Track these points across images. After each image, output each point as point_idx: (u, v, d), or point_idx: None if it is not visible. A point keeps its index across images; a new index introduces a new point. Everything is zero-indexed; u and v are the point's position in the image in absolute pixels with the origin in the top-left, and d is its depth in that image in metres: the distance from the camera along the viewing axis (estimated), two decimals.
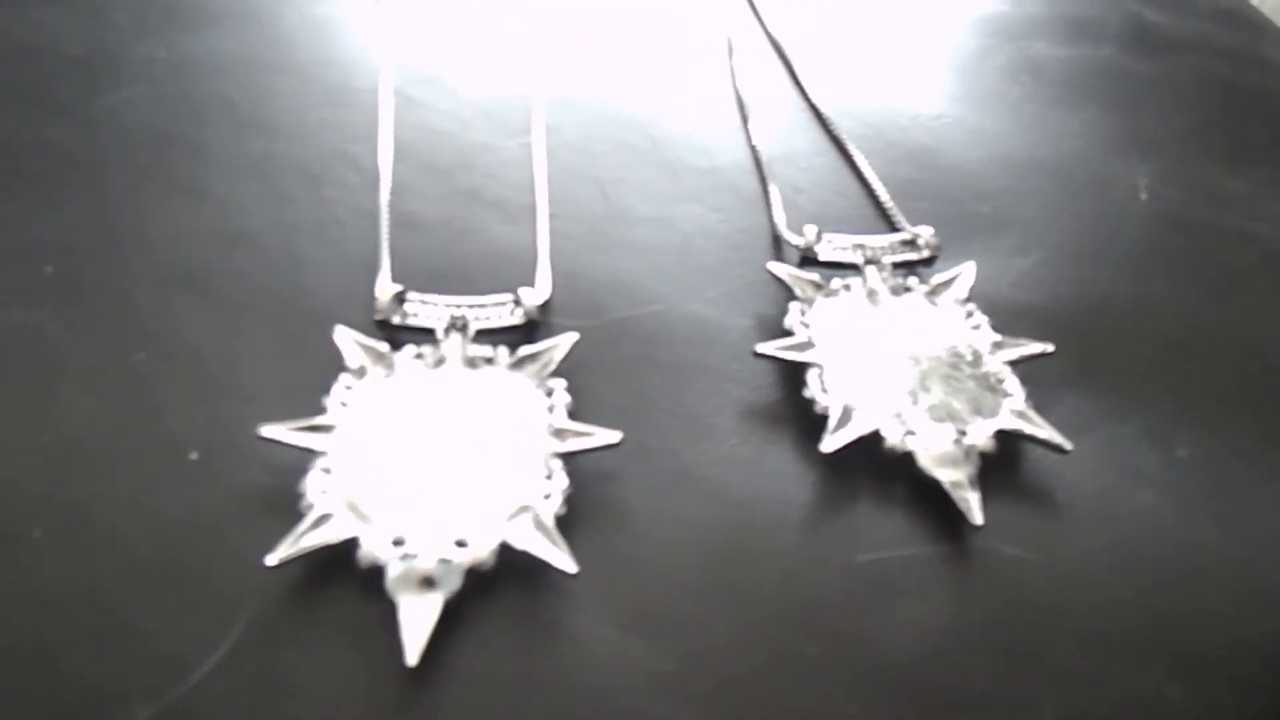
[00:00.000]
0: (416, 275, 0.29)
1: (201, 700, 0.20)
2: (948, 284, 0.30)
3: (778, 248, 0.32)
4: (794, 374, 0.27)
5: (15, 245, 0.29)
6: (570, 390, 0.26)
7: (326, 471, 0.23)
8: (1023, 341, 0.28)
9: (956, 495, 0.24)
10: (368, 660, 0.21)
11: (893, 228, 0.32)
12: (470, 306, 0.27)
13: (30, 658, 0.21)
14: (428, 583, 0.22)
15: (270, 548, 0.22)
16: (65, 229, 0.29)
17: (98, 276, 0.28)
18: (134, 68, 0.35)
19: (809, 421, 0.26)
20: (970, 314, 0.29)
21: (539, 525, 0.23)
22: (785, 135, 0.36)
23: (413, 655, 0.20)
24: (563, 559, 0.22)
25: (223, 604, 0.22)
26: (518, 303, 0.28)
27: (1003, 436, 0.26)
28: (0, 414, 0.25)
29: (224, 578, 0.22)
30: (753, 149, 0.35)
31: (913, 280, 0.30)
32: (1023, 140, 0.36)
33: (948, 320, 0.29)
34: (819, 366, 0.27)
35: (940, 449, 0.25)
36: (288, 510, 0.23)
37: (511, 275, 0.30)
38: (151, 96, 0.34)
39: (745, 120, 0.36)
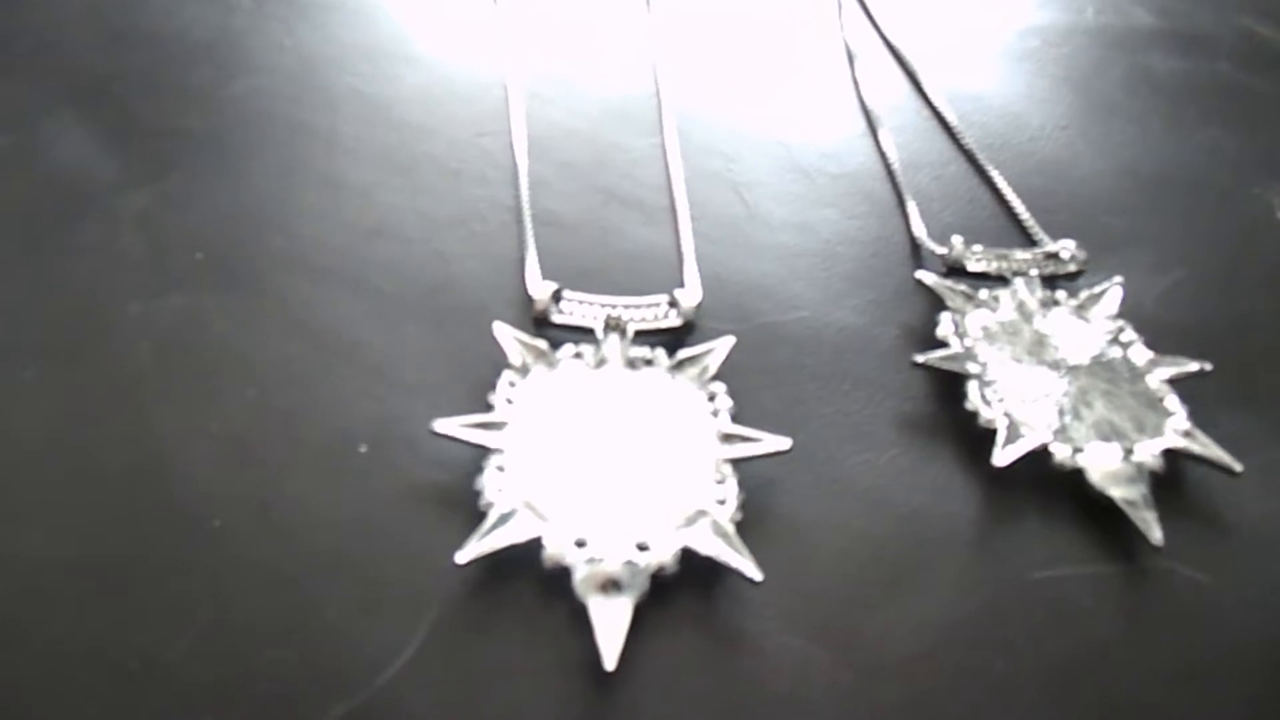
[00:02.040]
0: (562, 273, 0.29)
1: (394, 698, 0.20)
2: (1096, 299, 0.29)
3: (916, 257, 0.31)
4: (949, 384, 0.27)
5: (165, 230, 0.29)
6: (729, 395, 0.26)
7: (501, 470, 0.23)
8: (1179, 359, 0.28)
9: (1133, 514, 0.24)
10: (557, 662, 0.21)
11: (1029, 239, 0.32)
12: (626, 307, 0.27)
13: (223, 651, 0.20)
14: (614, 586, 0.21)
15: (448, 544, 0.22)
16: (208, 216, 0.29)
17: (245, 264, 0.28)
18: (261, 56, 0.35)
19: (969, 434, 0.26)
20: (1122, 330, 0.29)
21: (719, 531, 0.23)
22: (912, 144, 0.35)
23: (610, 660, 0.20)
24: (748, 566, 0.22)
25: (408, 602, 0.21)
26: (673, 304, 0.28)
27: (1167, 457, 0.25)
28: (168, 401, 0.24)
29: (407, 574, 0.22)
30: (883, 157, 0.34)
31: (1061, 294, 0.30)
32: (1149, 155, 0.36)
33: (1099, 336, 0.28)
34: (979, 378, 0.26)
35: (1110, 466, 0.25)
36: (461, 506, 0.23)
37: (656, 276, 0.29)
38: (281, 85, 0.34)
39: (874, 129, 0.35)
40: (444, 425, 0.24)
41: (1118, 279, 0.30)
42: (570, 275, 0.29)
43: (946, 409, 0.27)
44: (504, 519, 0.22)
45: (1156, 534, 0.24)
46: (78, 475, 0.23)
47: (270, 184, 0.31)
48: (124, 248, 0.28)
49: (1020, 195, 0.34)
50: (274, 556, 0.22)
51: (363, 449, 0.24)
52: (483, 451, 0.24)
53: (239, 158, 0.31)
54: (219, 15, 0.36)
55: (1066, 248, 0.31)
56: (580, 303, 0.27)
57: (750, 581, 0.22)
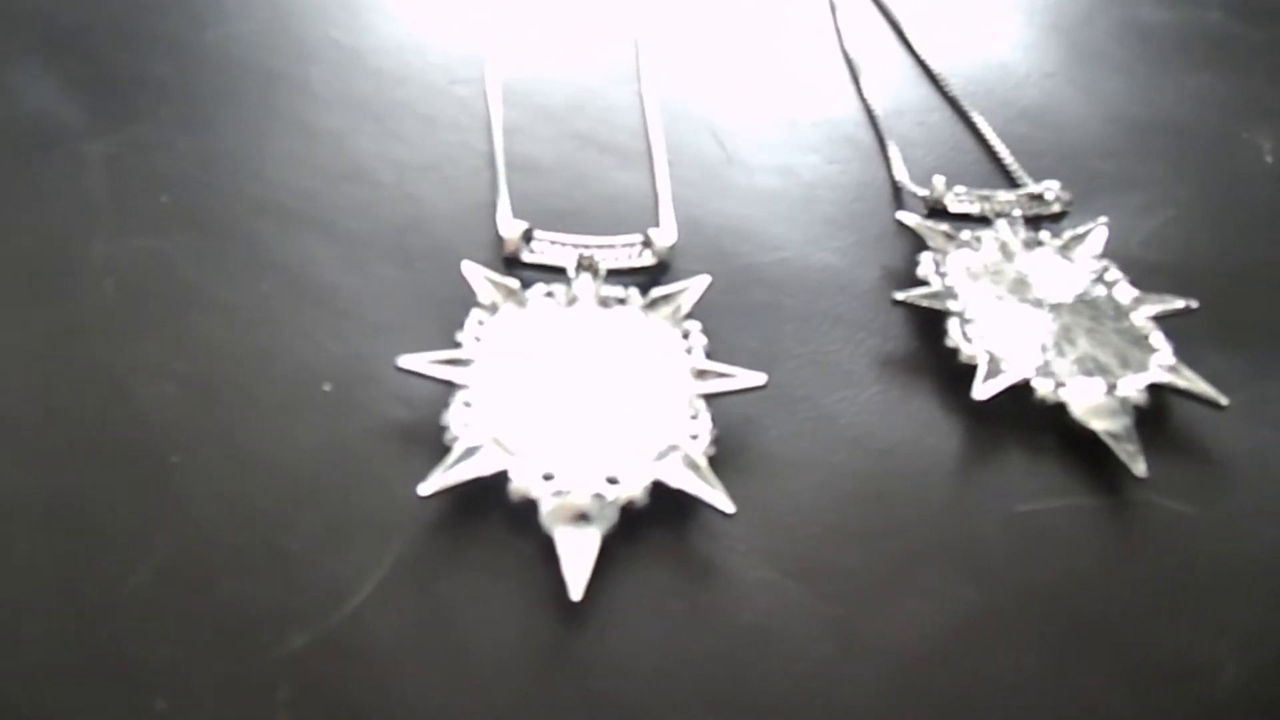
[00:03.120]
0: (535, 216, 0.28)
1: (358, 628, 0.20)
2: (1080, 239, 0.29)
3: (899, 201, 0.31)
4: (930, 324, 0.26)
5: (130, 175, 0.28)
6: (704, 334, 0.25)
7: (467, 405, 0.23)
8: (1165, 297, 0.27)
9: (1116, 446, 0.23)
10: (523, 592, 0.21)
11: (1013, 183, 0.32)
12: (599, 247, 0.27)
13: (183, 582, 0.20)
14: (582, 518, 0.21)
15: (413, 479, 0.21)
16: (177, 160, 0.29)
17: (215, 208, 0.28)
18: (233, 4, 0.35)
19: (950, 371, 0.25)
20: (1106, 269, 0.28)
21: (691, 465, 0.22)
22: (896, 92, 0.35)
23: (576, 590, 0.20)
24: (720, 498, 0.21)
25: (373, 533, 0.21)
26: (646, 244, 0.27)
27: (1151, 392, 0.25)
28: (131, 339, 0.24)
29: (372, 507, 0.21)
30: (866, 105, 0.34)
31: (1044, 235, 0.29)
32: (1138, 101, 0.35)
33: (1083, 275, 0.28)
34: (959, 316, 0.26)
35: (1093, 401, 0.24)
36: (428, 442, 0.23)
37: (632, 219, 0.29)
38: (254, 33, 0.33)
39: (856, 77, 0.35)
40: (409, 361, 0.23)
41: (1102, 219, 0.29)
42: (544, 217, 0.28)
43: (927, 347, 0.26)
44: (469, 452, 0.22)
45: (1140, 466, 0.23)
46: (36, 410, 0.22)
47: (241, 130, 0.30)
48: (89, 190, 0.27)
49: (1005, 141, 0.33)
50: (235, 491, 0.21)
51: (327, 387, 0.24)
52: (449, 388, 0.23)
53: (210, 105, 0.31)
54: None
55: (1050, 188, 0.30)
56: (551, 243, 0.27)
57: (722, 514, 0.21)
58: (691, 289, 0.26)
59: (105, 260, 0.26)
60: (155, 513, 0.21)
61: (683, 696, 0.20)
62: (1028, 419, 0.24)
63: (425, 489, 0.21)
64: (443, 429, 0.22)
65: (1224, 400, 0.25)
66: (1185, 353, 0.26)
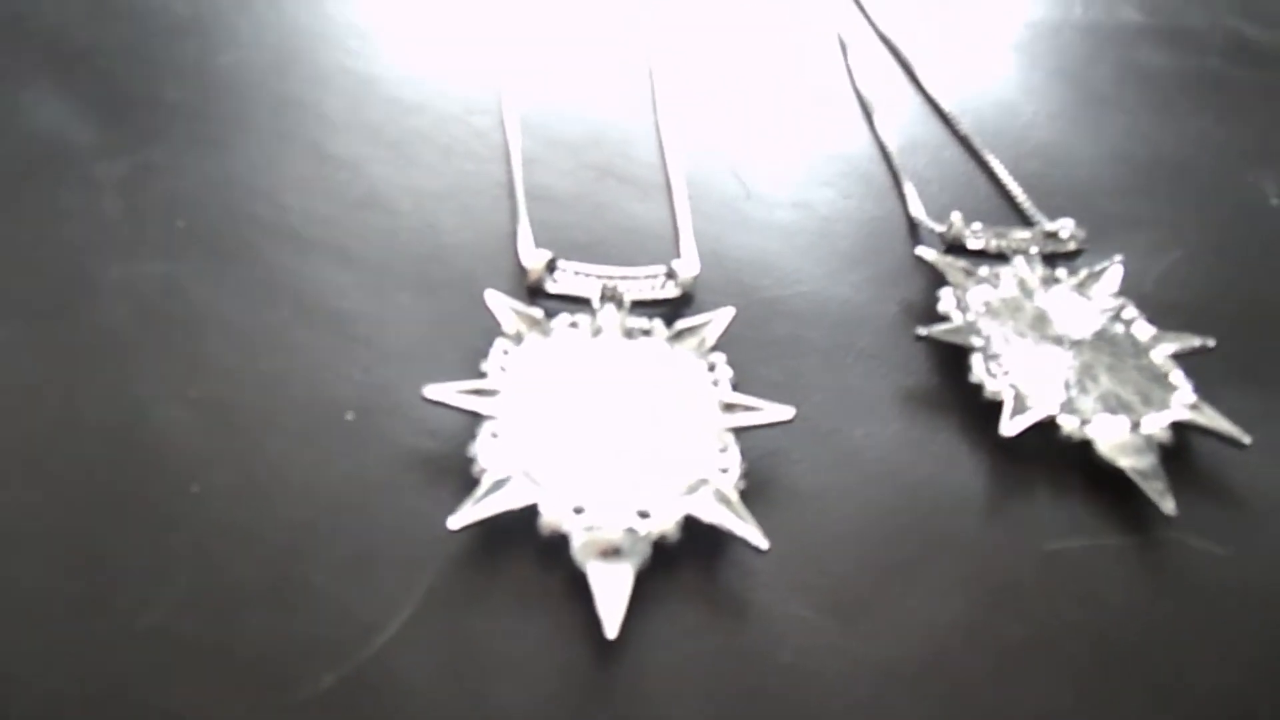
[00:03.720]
0: (556, 246, 0.28)
1: (387, 665, 0.19)
2: (1096, 277, 0.29)
3: (914, 236, 0.31)
4: (952, 359, 0.26)
5: (144, 198, 0.28)
6: (729, 366, 0.25)
7: (495, 436, 0.22)
8: (1183, 335, 0.27)
9: (1144, 484, 0.23)
10: (555, 629, 0.20)
11: (1026, 221, 0.32)
12: (622, 278, 0.27)
13: (202, 617, 0.19)
14: (614, 553, 0.21)
15: (441, 512, 0.21)
16: (192, 185, 0.28)
17: (230, 233, 0.27)
18: (247, 30, 0.34)
19: (973, 407, 0.25)
20: (1123, 307, 0.28)
21: (723, 499, 0.22)
22: (907, 129, 0.35)
23: (612, 628, 0.19)
24: (754, 534, 0.21)
25: (400, 567, 0.20)
26: (670, 275, 0.27)
27: (1174, 430, 0.25)
28: (147, 364, 0.23)
29: (399, 540, 0.21)
30: (879, 141, 0.34)
31: (1061, 272, 0.29)
32: (1142, 142, 0.36)
33: (1100, 313, 0.28)
34: (983, 352, 0.26)
35: (1119, 438, 0.24)
36: (455, 474, 0.22)
37: (652, 250, 0.29)
38: (268, 59, 0.33)
39: (869, 114, 0.35)
40: (436, 391, 0.23)
41: (1118, 258, 0.29)
42: (564, 248, 0.28)
43: (950, 383, 0.26)
44: (498, 485, 0.21)
45: (1169, 504, 0.23)
46: (53, 436, 0.22)
47: (255, 155, 0.30)
48: (104, 214, 0.27)
49: (1017, 179, 0.33)
50: (257, 521, 0.21)
51: (350, 416, 0.23)
52: (475, 419, 0.23)
53: (224, 129, 0.30)
54: None
55: (1065, 227, 0.30)
56: (575, 273, 0.27)
57: (756, 550, 0.21)
58: (716, 321, 0.26)
59: (121, 284, 0.25)
60: (172, 544, 0.20)
61: None
62: (1053, 456, 0.24)
63: (455, 522, 0.20)
64: (469, 460, 0.22)
65: (1246, 439, 0.25)
66: (1204, 391, 0.26)
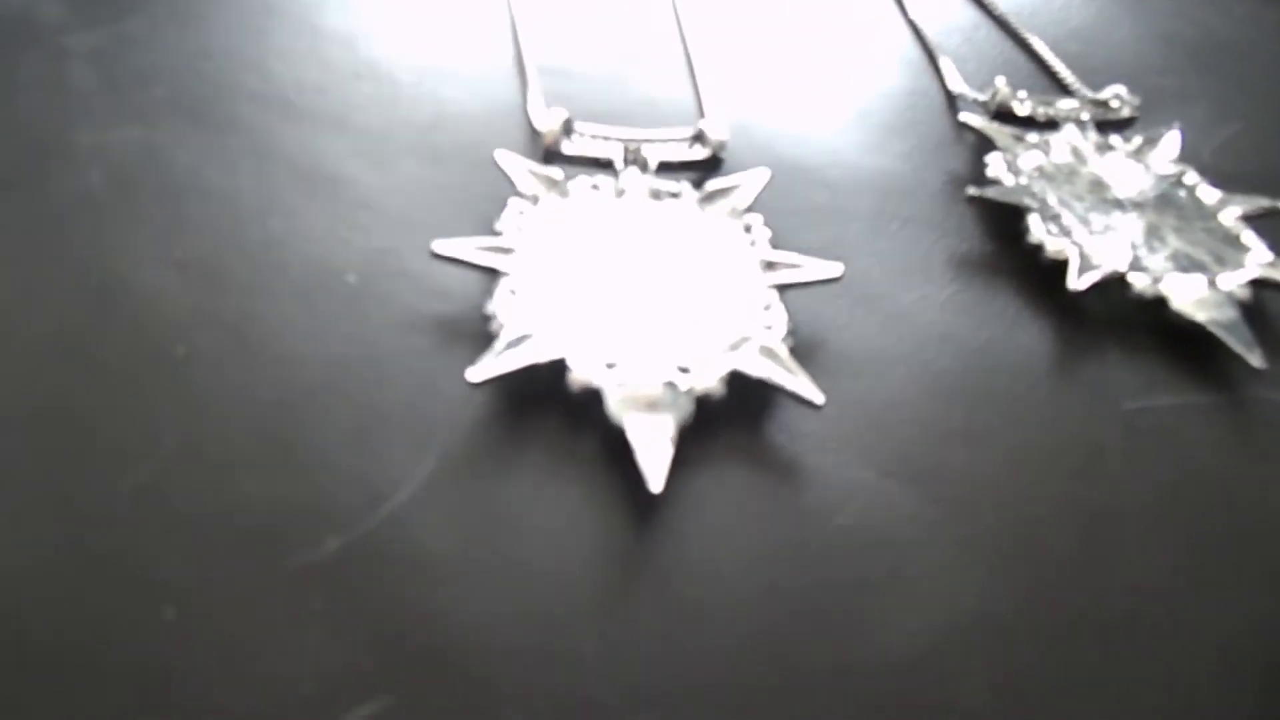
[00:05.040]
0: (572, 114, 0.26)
1: (401, 531, 0.17)
2: (1153, 143, 0.27)
3: (954, 110, 0.29)
4: (1007, 222, 0.24)
5: (118, 69, 0.25)
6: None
7: (514, 293, 0.20)
8: (1252, 197, 0.25)
9: (1228, 338, 0.21)
10: (588, 492, 0.18)
11: (1071, 96, 0.30)
12: (645, 140, 0.24)
13: (192, 482, 0.17)
14: (652, 406, 0.18)
15: (456, 373, 0.19)
16: (169, 54, 0.26)
17: (212, 100, 0.25)
18: None
19: (1032, 269, 0.23)
20: (1184, 173, 0.26)
21: (770, 354, 0.20)
22: (940, 11, 0.33)
23: (656, 481, 0.17)
24: (808, 387, 0.19)
25: (411, 431, 0.18)
26: (698, 137, 0.25)
27: (1253, 288, 0.23)
28: (124, 229, 0.21)
29: (408, 403, 0.19)
30: (910, 22, 0.32)
31: (1115, 139, 0.27)
32: (1189, 22, 0.33)
33: (1160, 179, 0.26)
34: (1040, 213, 0.24)
35: (1196, 294, 0.22)
36: (470, 336, 0.20)
37: (676, 118, 0.26)
38: None
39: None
40: (446, 246, 0.20)
41: (1175, 124, 0.27)
42: (581, 116, 0.26)
43: (1006, 245, 0.24)
44: (521, 339, 0.19)
45: (1257, 357, 0.21)
46: (21, 306, 0.19)
47: (240, 28, 0.27)
48: (72, 83, 0.24)
49: (1058, 56, 0.31)
50: (250, 385, 0.19)
51: (350, 279, 0.21)
52: (492, 276, 0.20)
53: (206, 2, 0.28)
54: None
55: (1117, 94, 0.28)
56: (594, 136, 0.24)
57: (810, 405, 0.19)
58: (750, 182, 0.23)
59: (92, 151, 0.23)
60: (157, 407, 0.18)
61: (777, 606, 0.17)
62: (1124, 315, 0.22)
63: (474, 375, 0.18)
64: (486, 319, 0.20)
65: None
66: (1275, 250, 0.24)
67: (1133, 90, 0.29)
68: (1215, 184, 0.26)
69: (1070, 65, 0.31)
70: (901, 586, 0.17)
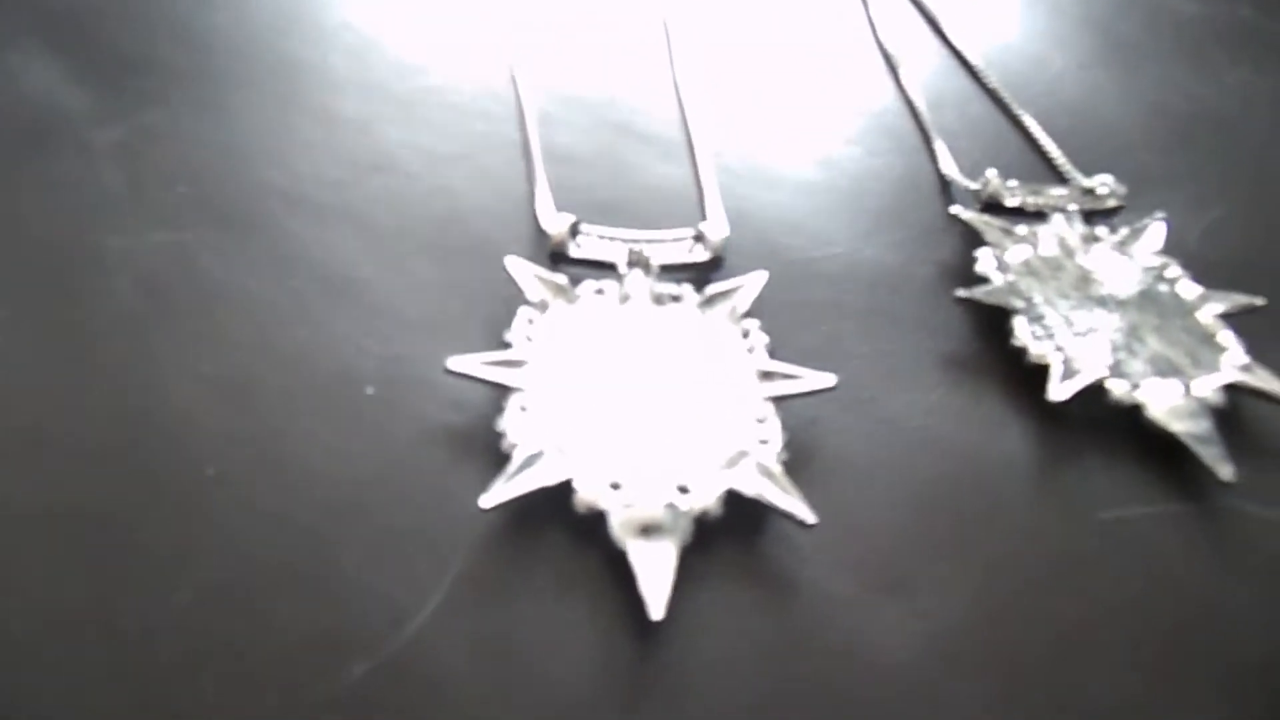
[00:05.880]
0: (576, 210, 0.27)
1: (421, 653, 0.18)
2: (1138, 234, 0.28)
3: (947, 194, 0.30)
4: (992, 322, 0.25)
5: (143, 165, 0.26)
6: (763, 332, 0.24)
7: (524, 409, 0.21)
8: (1231, 294, 0.26)
9: (1200, 449, 0.22)
10: (595, 611, 0.19)
11: (1061, 178, 0.31)
12: (649, 241, 0.25)
13: (231, 605, 0.18)
14: (654, 530, 0.20)
15: (470, 490, 0.20)
16: (193, 149, 0.27)
17: (236, 198, 0.26)
18: None
19: (1016, 371, 0.24)
20: (1166, 266, 0.27)
21: (765, 472, 0.21)
22: (934, 84, 0.34)
23: (657, 608, 0.18)
24: (800, 508, 0.20)
25: (430, 549, 0.20)
26: (699, 238, 0.26)
27: (1226, 392, 0.24)
28: (155, 340, 0.22)
29: (427, 521, 0.20)
30: (906, 97, 0.33)
31: (1101, 230, 0.28)
32: (1178, 95, 0.34)
33: (1143, 272, 0.27)
34: (1026, 314, 0.25)
35: (1171, 402, 0.23)
36: (482, 449, 0.21)
37: (678, 212, 0.28)
38: (267, 17, 0.32)
39: (894, 69, 0.34)
40: (459, 363, 0.22)
41: (1159, 214, 0.28)
42: (585, 210, 0.27)
43: (992, 346, 0.25)
44: (530, 461, 0.20)
45: (1226, 470, 0.22)
46: (59, 418, 0.21)
47: (258, 118, 0.28)
48: (100, 181, 0.26)
49: (1048, 135, 0.32)
50: (278, 503, 0.20)
51: (370, 390, 0.22)
52: (502, 391, 0.22)
53: (224, 91, 0.29)
54: None
55: (1105, 183, 0.29)
56: (599, 237, 0.25)
57: (802, 525, 0.20)
58: (749, 285, 0.25)
59: (122, 256, 0.24)
60: (191, 530, 0.19)
61: None
62: (1102, 422, 0.23)
63: (487, 501, 0.19)
64: (498, 435, 0.21)
65: None
66: (1252, 350, 0.25)
67: (1121, 173, 0.30)
68: (1198, 275, 0.27)
69: (1061, 143, 0.32)
70: (885, 705, 0.19)
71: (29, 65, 0.29)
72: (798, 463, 0.22)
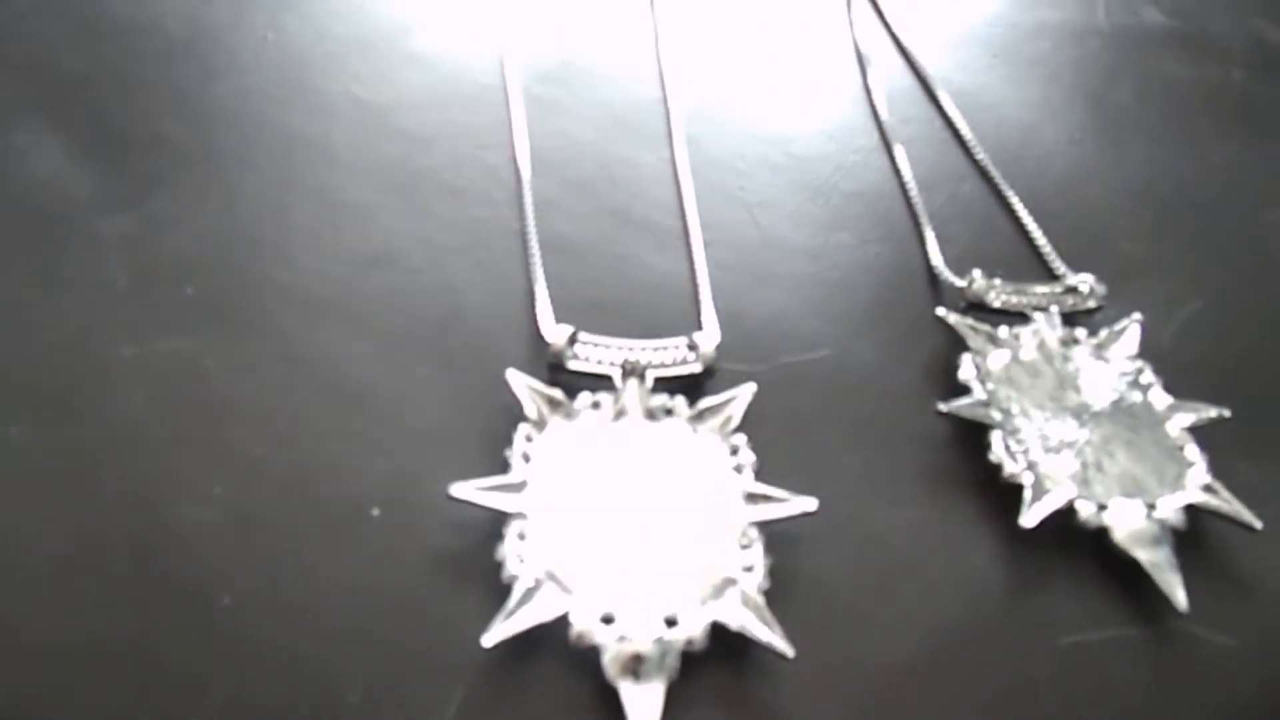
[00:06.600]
0: (572, 305, 0.28)
1: None
2: (1116, 337, 0.29)
3: (935, 286, 0.31)
4: (971, 430, 0.26)
5: (152, 260, 0.27)
6: (749, 444, 0.25)
7: (521, 538, 0.22)
8: (1199, 405, 0.27)
9: (1159, 578, 0.24)
10: None
11: (1047, 268, 0.32)
12: (644, 349, 0.26)
13: None
14: (643, 662, 0.21)
15: (470, 617, 0.21)
16: (197, 242, 0.28)
17: (240, 299, 0.27)
18: (243, 52, 0.33)
19: (992, 485, 0.25)
20: (1141, 371, 0.28)
21: (748, 602, 0.22)
22: (926, 158, 0.34)
23: None
24: (779, 642, 0.21)
25: (433, 680, 0.21)
26: (692, 347, 0.27)
27: (1188, 511, 0.25)
28: (169, 461, 0.23)
29: (430, 651, 0.21)
30: (899, 177, 0.33)
31: (1080, 333, 0.29)
32: (1162, 173, 0.35)
33: (1119, 378, 0.28)
34: (1002, 429, 0.26)
35: (1134, 526, 0.25)
36: (481, 575, 0.22)
37: (671, 309, 0.28)
38: (268, 87, 0.32)
39: (889, 145, 0.34)
40: (461, 490, 0.23)
41: (1136, 316, 0.29)
42: (581, 307, 0.28)
43: (969, 458, 0.26)
44: (528, 595, 0.21)
45: (1181, 599, 0.23)
46: (76, 548, 0.22)
47: (261, 203, 0.29)
48: (110, 280, 0.26)
49: (1035, 216, 0.33)
50: (289, 634, 0.21)
51: (375, 513, 0.23)
52: (502, 516, 0.23)
53: (226, 172, 0.29)
54: (195, 3, 0.34)
55: (1085, 282, 0.30)
56: (596, 345, 0.26)
57: (782, 657, 0.21)
58: (739, 399, 0.26)
59: (134, 365, 0.25)
60: (207, 661, 0.20)
61: None
62: (1069, 541, 0.25)
63: (488, 640, 0.21)
64: (497, 564, 0.22)
65: (1258, 524, 0.25)
66: (1216, 461, 0.27)
67: (1103, 259, 0.31)
68: (1170, 377, 0.28)
69: (1047, 226, 0.33)
70: None
71: (34, 144, 0.29)
72: (779, 586, 0.23)
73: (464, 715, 0.21)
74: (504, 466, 0.24)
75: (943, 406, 0.26)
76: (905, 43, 0.38)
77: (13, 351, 0.25)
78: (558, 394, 0.25)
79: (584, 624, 0.21)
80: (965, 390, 0.27)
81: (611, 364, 0.26)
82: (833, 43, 0.38)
